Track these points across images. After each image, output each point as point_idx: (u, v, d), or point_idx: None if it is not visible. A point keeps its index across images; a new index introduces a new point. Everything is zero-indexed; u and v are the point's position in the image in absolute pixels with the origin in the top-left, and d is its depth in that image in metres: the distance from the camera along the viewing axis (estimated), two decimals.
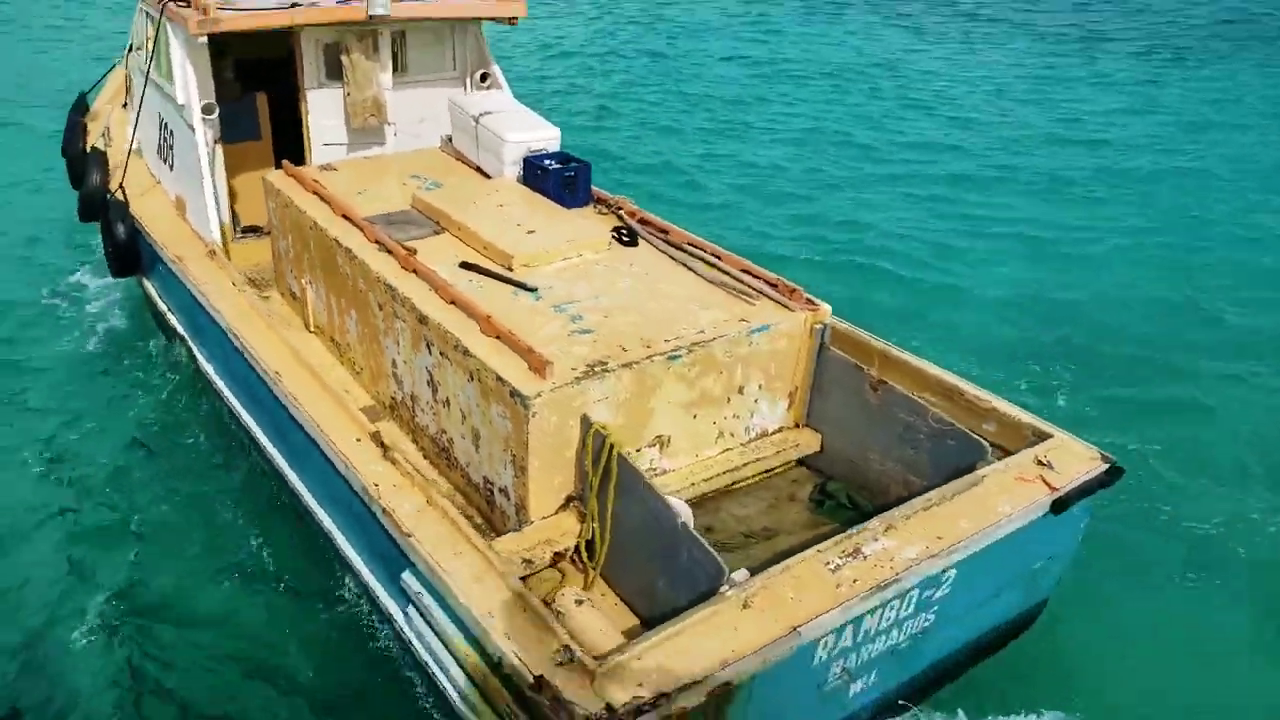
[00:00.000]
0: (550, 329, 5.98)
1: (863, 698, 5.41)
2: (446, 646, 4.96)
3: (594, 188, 8.19)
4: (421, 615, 5.17)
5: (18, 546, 7.69)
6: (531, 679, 4.17)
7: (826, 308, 6.55)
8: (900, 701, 5.69)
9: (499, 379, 5.49)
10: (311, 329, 8.15)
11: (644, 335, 5.96)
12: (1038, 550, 5.84)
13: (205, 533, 7.81)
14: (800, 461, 6.84)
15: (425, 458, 6.70)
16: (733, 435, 6.48)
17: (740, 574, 4.95)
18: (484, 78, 9.99)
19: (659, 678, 4.12)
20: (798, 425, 6.83)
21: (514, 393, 5.38)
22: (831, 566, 4.82)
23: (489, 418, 5.71)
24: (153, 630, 6.88)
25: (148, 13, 9.67)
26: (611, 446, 5.33)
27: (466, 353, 5.74)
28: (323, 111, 9.40)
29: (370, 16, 8.70)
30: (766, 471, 6.67)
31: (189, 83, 8.77)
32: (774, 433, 6.71)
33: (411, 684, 6.01)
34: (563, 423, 5.52)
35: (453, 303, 6.14)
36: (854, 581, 4.74)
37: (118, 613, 7.02)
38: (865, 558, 4.89)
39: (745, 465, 6.46)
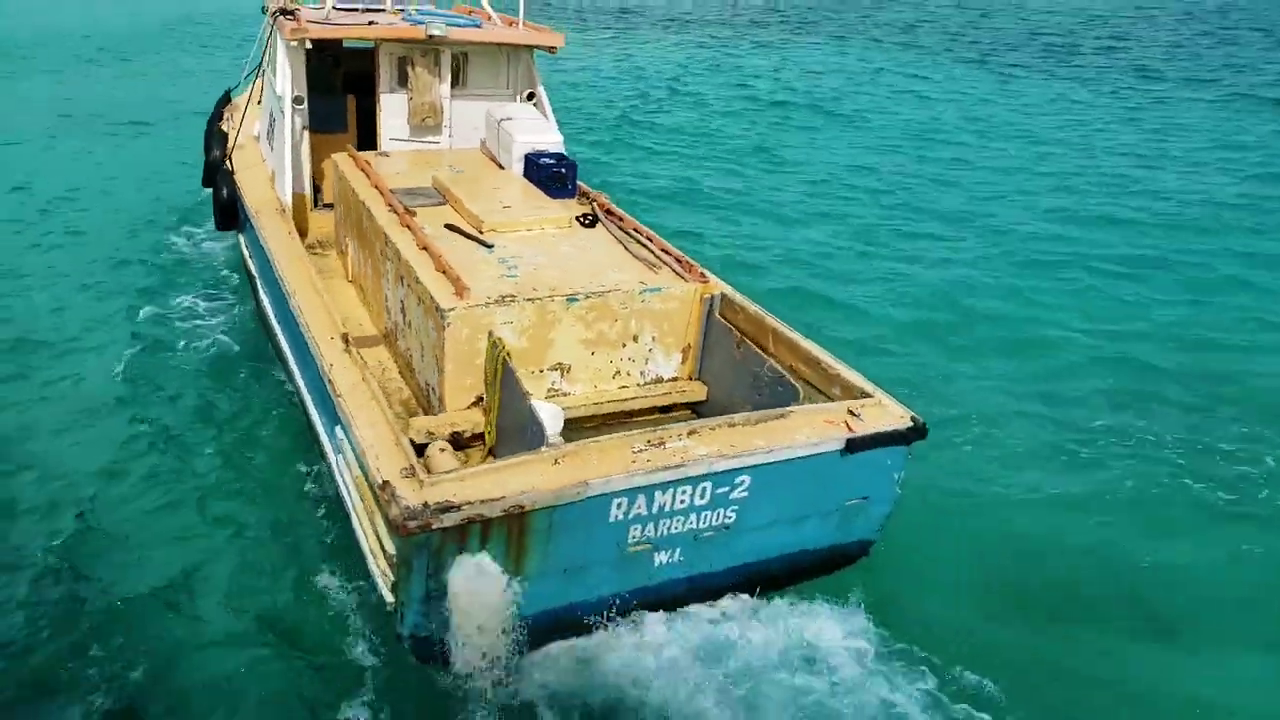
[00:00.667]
0: (488, 272, 7.88)
1: (669, 571, 6.75)
2: (350, 473, 6.67)
3: (581, 183, 10.22)
4: (343, 456, 6.84)
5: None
6: (381, 482, 5.80)
7: (717, 282, 8.39)
8: (714, 589, 7.03)
9: (431, 298, 7.40)
10: (349, 279, 10.48)
11: (556, 284, 7.76)
12: (842, 487, 7.01)
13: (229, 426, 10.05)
14: (690, 407, 8.60)
15: (400, 374, 8.76)
16: (629, 375, 8.35)
17: (558, 439, 6.45)
18: (530, 96, 12.15)
19: (470, 493, 5.64)
20: (690, 377, 8.66)
21: (438, 308, 7.28)
22: (635, 449, 6.17)
23: (427, 330, 7.72)
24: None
25: (267, 22, 12.35)
26: (501, 355, 6.99)
27: (417, 281, 7.81)
28: (391, 111, 11.71)
29: (429, 37, 11.01)
30: (660, 411, 8.46)
31: (285, 78, 11.11)
32: (668, 380, 8.56)
33: (340, 507, 7.62)
34: (474, 335, 7.37)
35: (424, 249, 8.20)
36: (647, 460, 6.08)
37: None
38: (664, 447, 6.22)
39: (636, 400, 8.27)
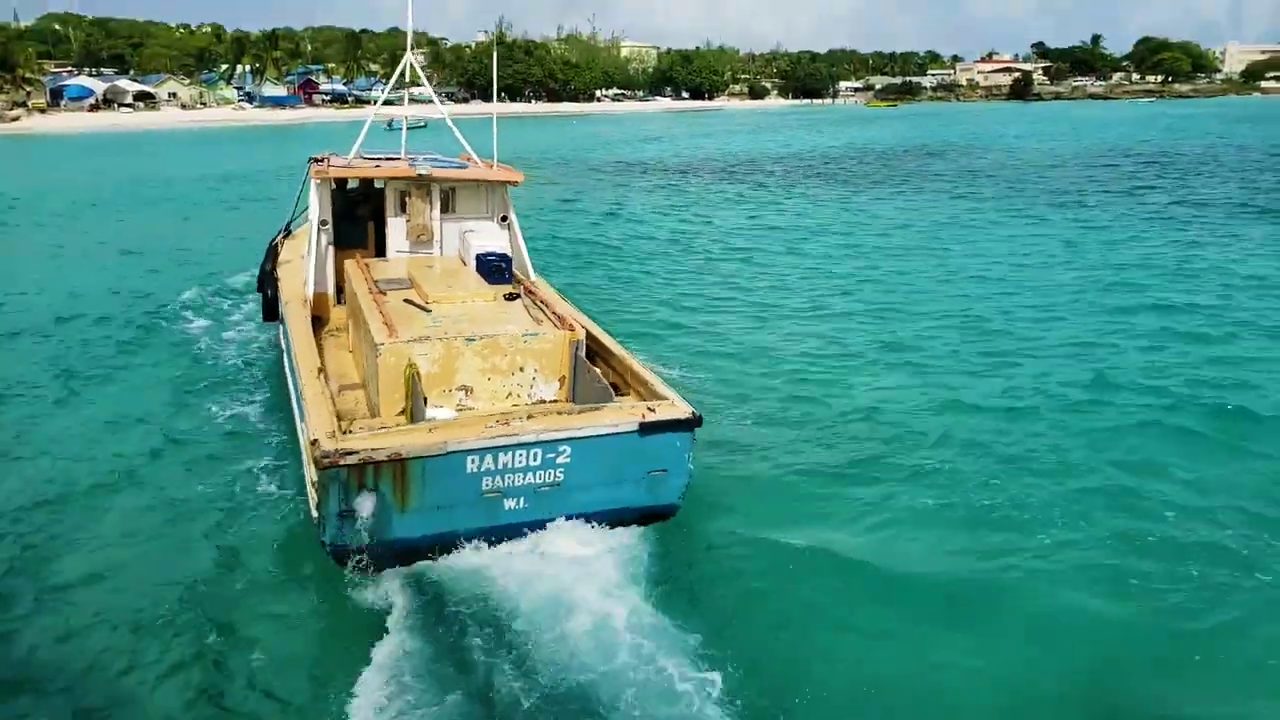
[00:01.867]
0: (418, 323, 11.07)
1: (517, 514, 9.39)
2: (305, 442, 9.46)
3: (516, 273, 13.91)
4: (303, 435, 9.78)
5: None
6: (311, 440, 8.72)
7: (581, 332, 11.32)
8: (550, 525, 9.48)
9: (371, 336, 10.56)
10: (350, 350, 13.57)
11: (463, 331, 10.79)
12: (643, 460, 9.57)
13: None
14: None
15: (367, 404, 11.52)
16: (519, 397, 10.91)
17: (441, 412, 9.78)
18: (503, 219, 15.56)
19: (365, 445, 8.56)
20: (566, 399, 11.41)
21: (374, 343, 10.35)
22: (487, 425, 9.06)
23: (370, 359, 10.67)
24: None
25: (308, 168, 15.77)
26: (411, 375, 10.10)
27: (367, 326, 10.89)
28: (395, 231, 15.23)
29: (419, 175, 14.63)
30: None
31: (314, 206, 14.74)
32: (550, 401, 11.19)
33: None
34: (399, 364, 10.25)
35: (379, 309, 11.33)
36: (493, 431, 8.99)
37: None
38: (508, 424, 9.09)
39: None
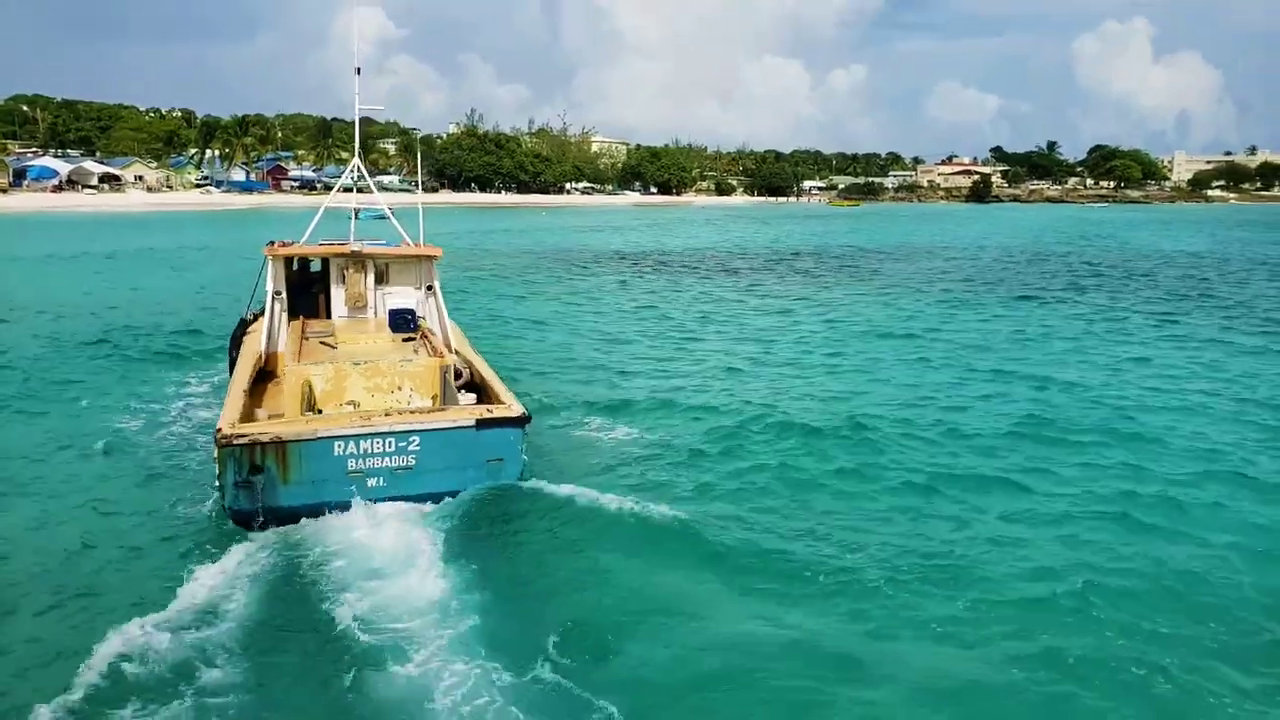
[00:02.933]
0: (323, 355, 13.95)
1: (379, 491, 11.87)
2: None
3: (421, 323, 16.64)
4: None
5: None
6: (217, 428, 11.38)
7: (451, 359, 14.25)
8: (408, 502, 11.91)
9: (282, 362, 14.05)
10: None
11: (352, 357, 13.53)
12: (483, 448, 12.22)
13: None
14: None
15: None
16: (399, 411, 12.86)
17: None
18: (429, 288, 17.74)
19: (254, 430, 11.39)
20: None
21: (284, 369, 13.28)
22: (353, 420, 11.84)
23: (285, 380, 12.98)
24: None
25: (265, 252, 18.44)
26: (305, 390, 12.46)
27: (286, 361, 13.77)
28: (337, 299, 17.71)
29: (353, 252, 17.19)
30: None
31: (269, 279, 17.05)
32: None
33: None
34: (298, 382, 12.54)
35: (299, 350, 14.12)
36: (357, 423, 11.74)
37: None
38: (369, 419, 11.85)
39: None
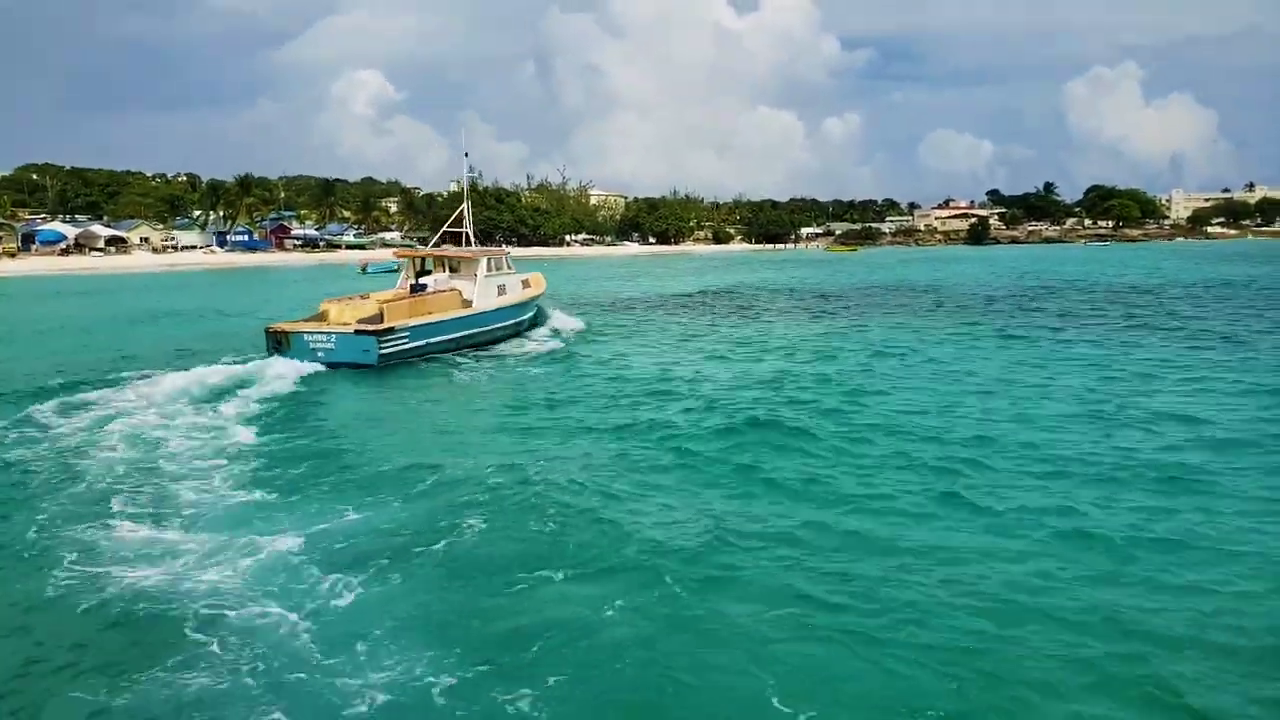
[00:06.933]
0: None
1: (327, 357, 25.83)
2: None
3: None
4: None
5: None
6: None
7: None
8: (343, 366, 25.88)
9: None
10: None
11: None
12: (362, 344, 25.95)
13: None
14: None
15: None
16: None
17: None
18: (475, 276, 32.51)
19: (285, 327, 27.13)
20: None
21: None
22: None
23: None
24: None
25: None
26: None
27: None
28: (432, 281, 32.95)
29: (430, 255, 34.62)
30: None
31: (404, 269, 34.35)
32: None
33: None
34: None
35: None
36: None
37: None
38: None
39: None
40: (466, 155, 39.55)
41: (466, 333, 29.95)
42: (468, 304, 31.15)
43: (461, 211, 36.65)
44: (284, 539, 11.43)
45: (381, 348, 25.70)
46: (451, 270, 32.85)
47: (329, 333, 25.72)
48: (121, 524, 12.15)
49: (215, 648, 8.82)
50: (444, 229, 38.52)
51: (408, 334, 26.93)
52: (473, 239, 36.81)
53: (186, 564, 10.79)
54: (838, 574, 10.48)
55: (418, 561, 10.90)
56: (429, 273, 33.28)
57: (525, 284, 35.38)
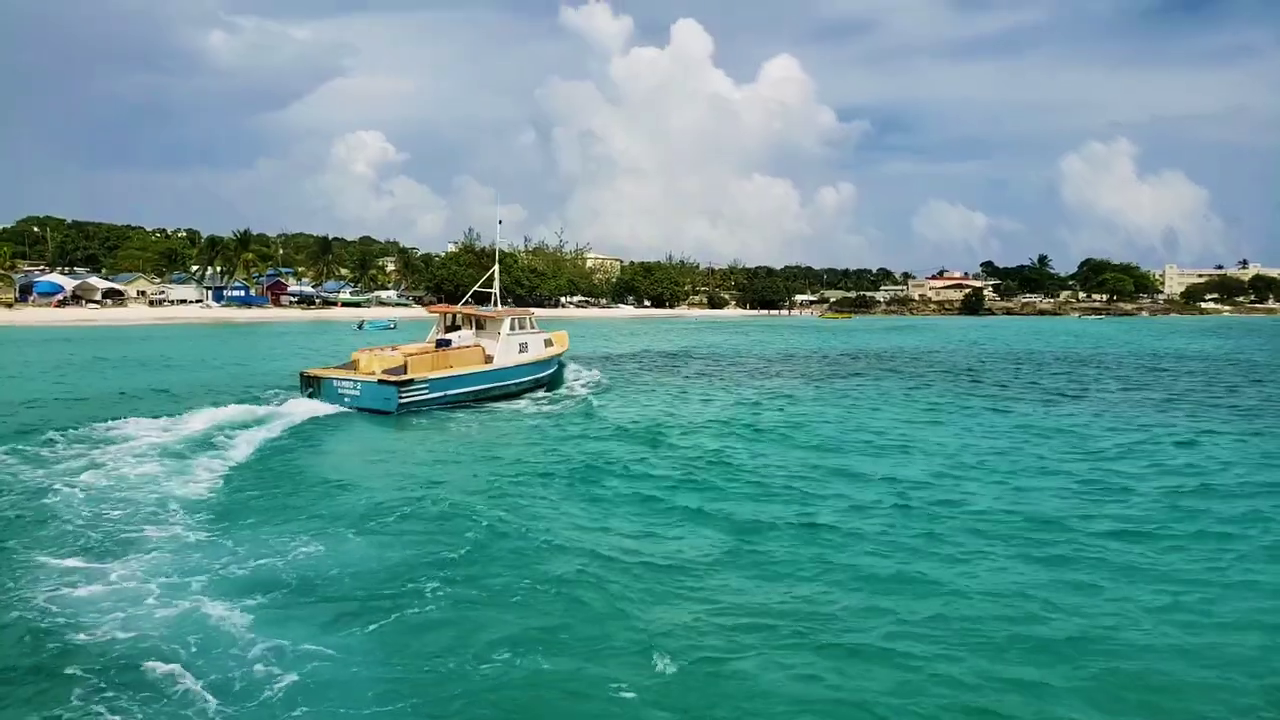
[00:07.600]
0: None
1: (353, 403, 28.46)
2: None
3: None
4: None
5: None
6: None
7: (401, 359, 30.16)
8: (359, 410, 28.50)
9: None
10: None
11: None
12: (385, 393, 28.09)
13: None
14: None
15: None
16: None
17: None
18: (499, 334, 34.43)
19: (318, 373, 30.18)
20: None
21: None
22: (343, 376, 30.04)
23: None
24: None
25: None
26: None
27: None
28: (458, 336, 34.81)
29: (459, 313, 36.76)
30: None
31: (435, 325, 37.15)
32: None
33: None
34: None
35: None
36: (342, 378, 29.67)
37: None
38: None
39: None
40: (500, 223, 46.58)
41: (484, 386, 31.74)
42: (489, 359, 33.05)
43: (493, 273, 39.51)
44: (238, 578, 11.92)
45: (401, 397, 28.00)
46: (478, 327, 35.33)
47: (356, 380, 28.39)
48: (75, 565, 12.34)
49: (172, 688, 8.93)
50: (475, 288, 42.59)
51: (427, 386, 29.13)
52: (498, 299, 39.70)
53: (137, 605, 10.85)
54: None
55: (374, 608, 11.15)
56: (458, 328, 35.62)
57: (548, 342, 37.31)
